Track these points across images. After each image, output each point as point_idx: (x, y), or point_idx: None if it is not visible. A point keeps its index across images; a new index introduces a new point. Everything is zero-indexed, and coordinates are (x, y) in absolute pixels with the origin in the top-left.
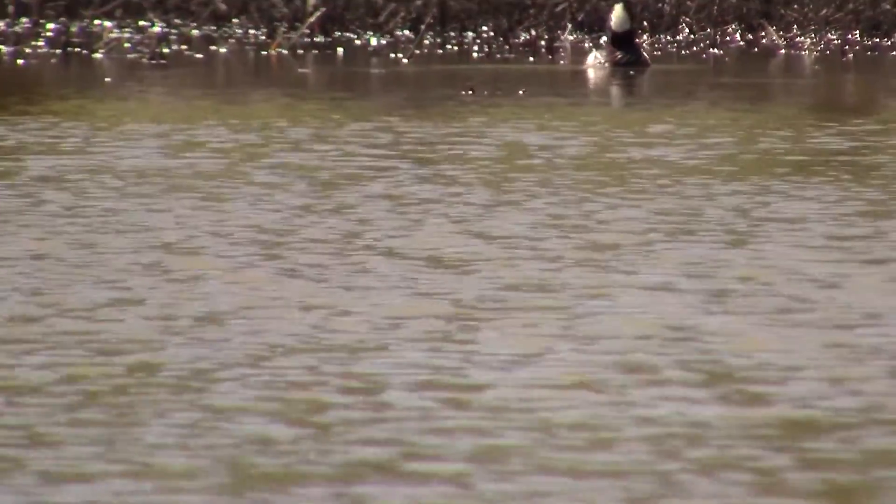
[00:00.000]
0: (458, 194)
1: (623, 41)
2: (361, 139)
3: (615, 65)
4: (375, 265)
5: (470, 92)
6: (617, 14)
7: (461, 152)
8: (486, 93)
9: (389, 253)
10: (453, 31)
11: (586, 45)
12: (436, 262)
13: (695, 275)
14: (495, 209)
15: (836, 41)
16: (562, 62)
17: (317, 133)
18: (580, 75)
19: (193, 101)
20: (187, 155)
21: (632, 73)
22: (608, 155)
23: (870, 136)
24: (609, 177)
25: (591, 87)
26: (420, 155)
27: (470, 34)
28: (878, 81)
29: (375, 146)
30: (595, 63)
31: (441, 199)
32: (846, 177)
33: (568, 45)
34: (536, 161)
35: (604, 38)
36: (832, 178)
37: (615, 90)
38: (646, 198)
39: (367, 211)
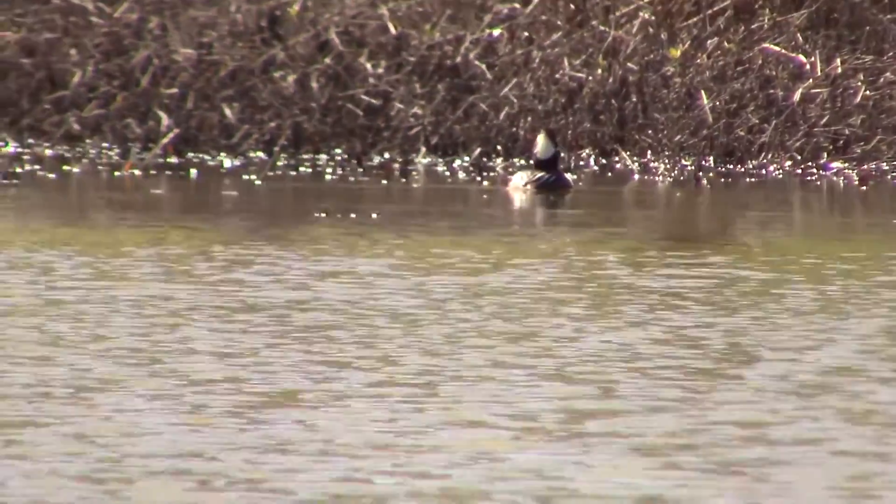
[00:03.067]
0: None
1: (547, 166)
2: (214, 265)
3: (538, 186)
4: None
5: (323, 214)
6: (541, 142)
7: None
8: (339, 216)
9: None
10: (307, 154)
11: (439, 167)
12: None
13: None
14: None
15: (689, 167)
16: (415, 185)
17: (170, 257)
18: (440, 195)
19: (41, 224)
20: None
21: (551, 196)
22: (443, 280)
23: (721, 268)
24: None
25: (447, 211)
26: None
27: (323, 156)
28: (730, 209)
29: (227, 276)
30: (519, 184)
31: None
32: (698, 309)
33: (421, 167)
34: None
35: (524, 164)
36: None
37: (471, 215)
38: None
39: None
